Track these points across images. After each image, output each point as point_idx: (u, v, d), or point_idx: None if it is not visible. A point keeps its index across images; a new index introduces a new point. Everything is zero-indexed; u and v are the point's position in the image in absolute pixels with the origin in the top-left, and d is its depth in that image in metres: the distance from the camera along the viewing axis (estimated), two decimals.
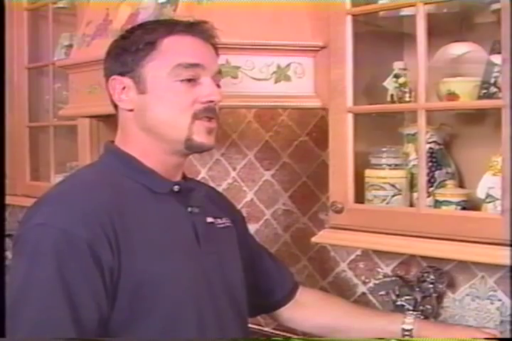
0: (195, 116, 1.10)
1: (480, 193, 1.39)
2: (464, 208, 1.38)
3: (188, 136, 1.10)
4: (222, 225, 1.22)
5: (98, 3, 1.74)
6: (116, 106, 1.18)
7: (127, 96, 1.13)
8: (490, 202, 1.32)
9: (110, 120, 2.01)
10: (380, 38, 1.54)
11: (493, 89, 1.34)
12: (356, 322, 1.34)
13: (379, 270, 1.71)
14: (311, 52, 1.47)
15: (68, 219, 1.00)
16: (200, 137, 1.11)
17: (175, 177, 1.18)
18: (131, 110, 1.13)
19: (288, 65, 1.46)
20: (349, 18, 1.40)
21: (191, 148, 1.12)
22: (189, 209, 1.16)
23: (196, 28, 1.14)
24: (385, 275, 1.65)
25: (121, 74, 1.12)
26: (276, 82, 1.46)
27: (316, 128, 1.87)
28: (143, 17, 1.59)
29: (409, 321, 1.30)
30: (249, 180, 2.05)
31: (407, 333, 1.28)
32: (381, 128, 1.56)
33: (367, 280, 1.77)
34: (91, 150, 2.02)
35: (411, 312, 1.44)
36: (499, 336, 1.31)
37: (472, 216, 1.30)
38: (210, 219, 1.19)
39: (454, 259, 1.51)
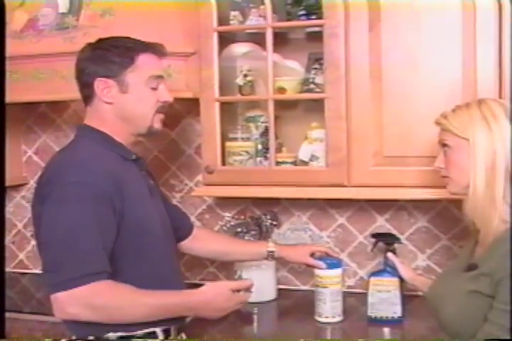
0: (157, 111, 1.60)
1: (301, 156, 2.06)
2: (295, 165, 2.03)
3: (150, 123, 1.60)
4: (152, 184, 1.69)
5: None
6: (87, 99, 1.58)
7: (109, 92, 1.54)
8: (314, 160, 2.00)
9: None
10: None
11: (311, 86, 2.02)
12: (237, 247, 1.92)
13: (226, 215, 2.31)
14: (184, 57, 2.00)
15: (95, 178, 1.44)
16: (157, 125, 1.62)
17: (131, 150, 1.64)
18: (110, 103, 1.55)
19: (169, 66, 1.96)
20: (215, 34, 1.96)
21: (150, 132, 1.61)
22: (142, 172, 1.64)
23: (156, 48, 1.60)
24: (236, 219, 2.25)
25: (107, 77, 1.53)
26: None
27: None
28: (44, 23, 1.96)
29: (271, 245, 1.90)
30: None
31: (271, 253, 1.88)
32: (229, 112, 2.15)
33: (215, 227, 2.36)
34: None
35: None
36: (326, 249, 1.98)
37: (306, 169, 1.97)
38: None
39: (293, 198, 2.17)
